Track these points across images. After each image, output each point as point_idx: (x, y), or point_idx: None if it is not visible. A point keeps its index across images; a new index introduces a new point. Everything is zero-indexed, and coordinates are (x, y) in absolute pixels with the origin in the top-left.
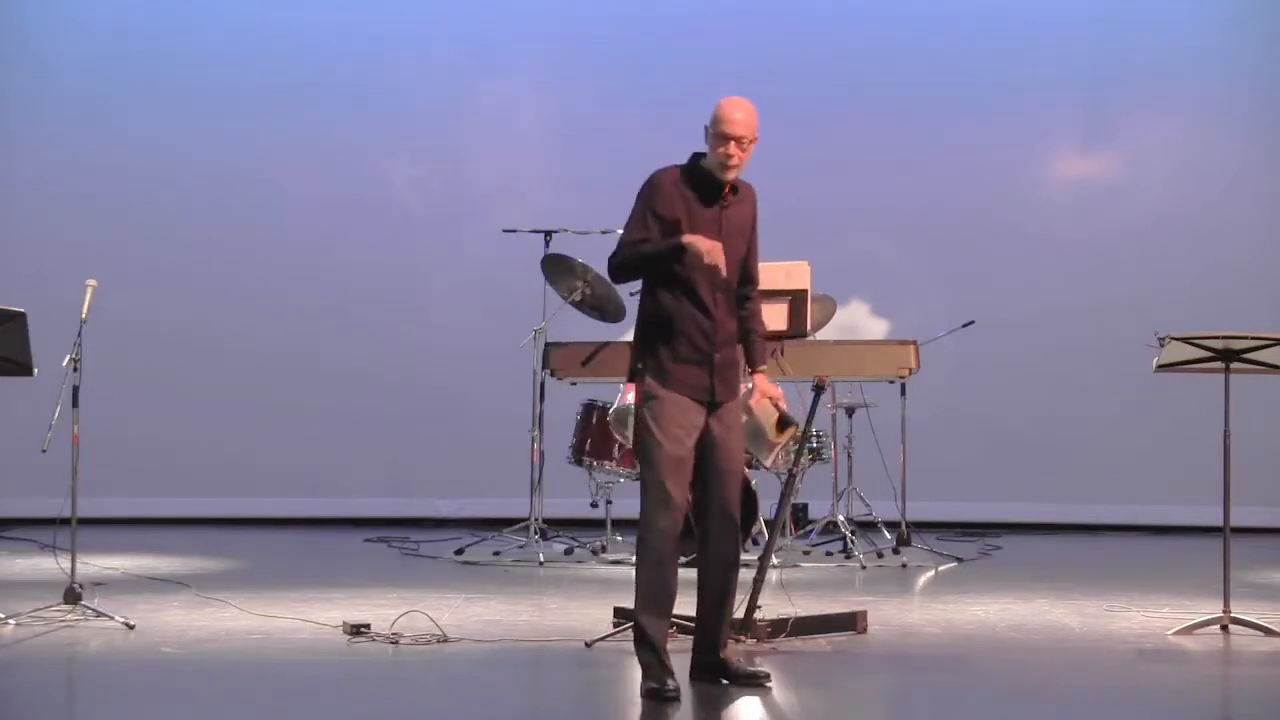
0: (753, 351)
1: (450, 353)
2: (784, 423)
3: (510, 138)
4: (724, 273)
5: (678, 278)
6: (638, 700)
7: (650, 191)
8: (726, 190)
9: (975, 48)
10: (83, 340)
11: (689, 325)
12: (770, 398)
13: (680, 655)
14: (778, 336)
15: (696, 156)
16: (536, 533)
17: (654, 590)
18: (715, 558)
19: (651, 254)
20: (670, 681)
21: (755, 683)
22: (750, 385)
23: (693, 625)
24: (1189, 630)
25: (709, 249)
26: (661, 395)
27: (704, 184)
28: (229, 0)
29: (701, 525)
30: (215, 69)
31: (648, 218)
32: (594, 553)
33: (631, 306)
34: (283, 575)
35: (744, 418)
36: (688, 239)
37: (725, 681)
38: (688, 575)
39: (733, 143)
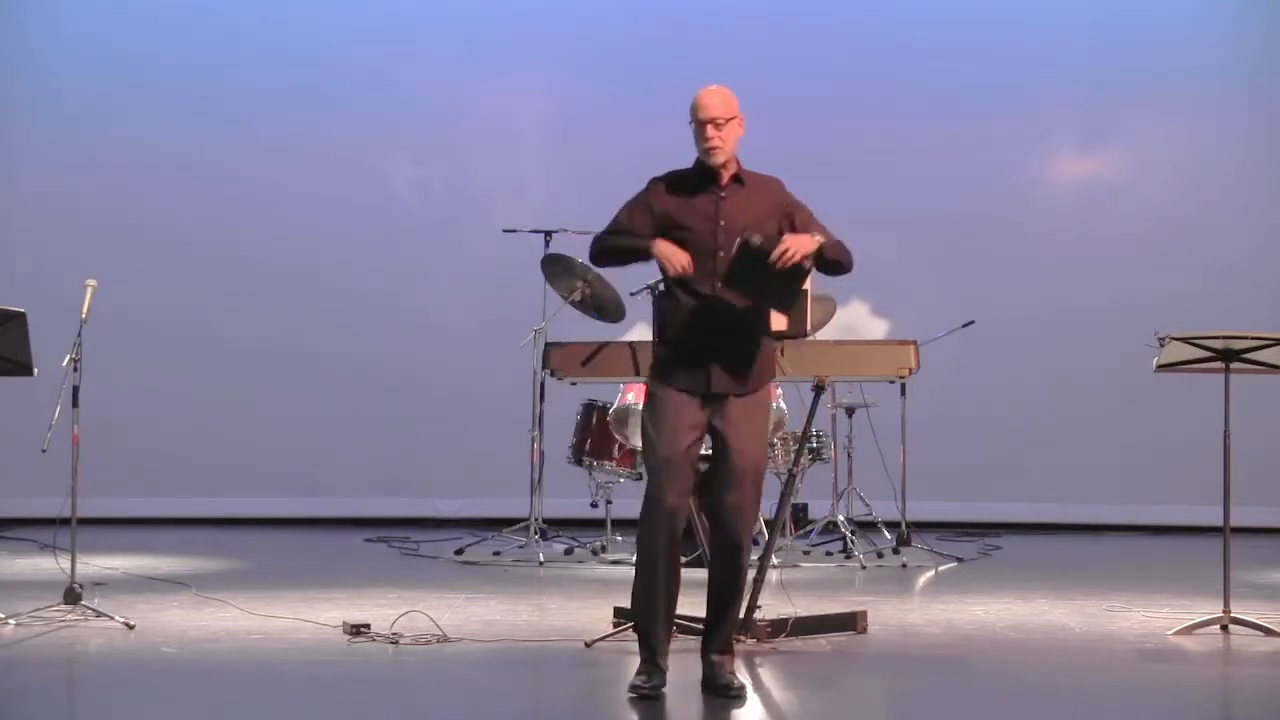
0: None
1: (450, 353)
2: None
3: (510, 138)
4: (678, 269)
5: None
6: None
7: (648, 185)
8: (726, 180)
9: (975, 48)
10: (83, 340)
11: (687, 318)
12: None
13: (680, 655)
14: (778, 336)
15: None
16: (536, 533)
17: (644, 588)
18: (716, 563)
19: (625, 248)
20: (652, 678)
21: (726, 695)
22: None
23: (694, 625)
24: (1189, 630)
25: (671, 255)
26: (658, 393)
27: (701, 178)
28: (228, 1)
29: (710, 527)
30: (215, 70)
31: (637, 207)
32: (594, 553)
33: (631, 306)
34: (283, 575)
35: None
36: (657, 244)
37: (704, 688)
38: (690, 575)
39: (709, 125)
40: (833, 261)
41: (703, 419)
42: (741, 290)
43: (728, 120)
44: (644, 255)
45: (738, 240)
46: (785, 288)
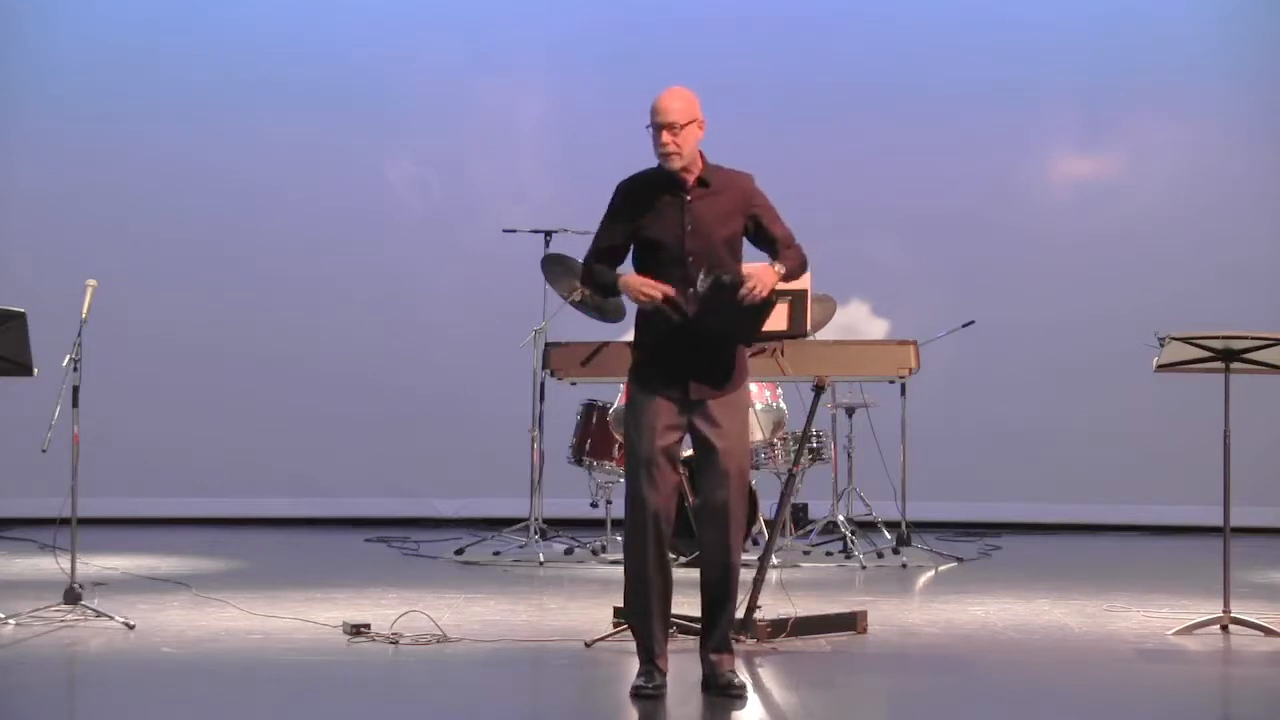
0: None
1: (450, 353)
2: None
3: (510, 138)
4: (658, 296)
5: (654, 278)
6: None
7: (613, 197)
8: (691, 183)
9: (976, 49)
10: (83, 340)
11: (664, 325)
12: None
13: (680, 655)
14: (778, 336)
15: None
16: (536, 533)
17: (633, 590)
18: (706, 561)
19: (599, 284)
20: (653, 679)
21: (727, 694)
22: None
23: (694, 625)
24: (1189, 630)
25: (640, 289)
26: (637, 395)
27: (667, 182)
28: (228, 1)
29: (698, 527)
30: (215, 70)
31: (613, 220)
32: (594, 553)
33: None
34: (283, 575)
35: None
36: (623, 284)
37: (704, 689)
38: (690, 575)
39: (664, 130)
40: (788, 276)
41: (683, 420)
42: (712, 325)
43: (685, 125)
44: (614, 288)
45: (707, 277)
46: (751, 319)
